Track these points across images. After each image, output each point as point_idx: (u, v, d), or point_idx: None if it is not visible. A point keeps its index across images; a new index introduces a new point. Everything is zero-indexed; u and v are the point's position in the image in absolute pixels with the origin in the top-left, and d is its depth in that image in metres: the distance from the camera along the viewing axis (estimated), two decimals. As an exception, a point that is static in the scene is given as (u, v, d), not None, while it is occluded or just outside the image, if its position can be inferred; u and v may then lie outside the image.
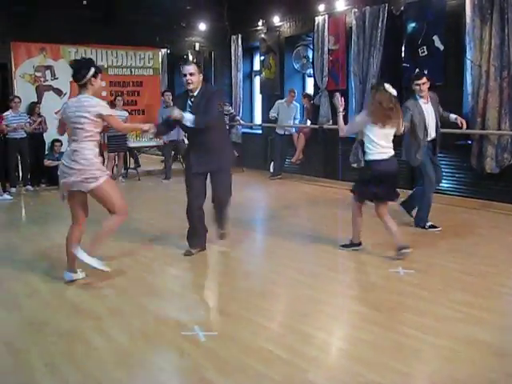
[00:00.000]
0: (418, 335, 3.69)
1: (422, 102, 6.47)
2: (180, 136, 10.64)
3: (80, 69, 4.85)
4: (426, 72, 8.44)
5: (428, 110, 6.48)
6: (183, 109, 5.32)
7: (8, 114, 9.77)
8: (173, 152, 11.71)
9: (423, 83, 6.45)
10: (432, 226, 6.71)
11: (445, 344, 3.56)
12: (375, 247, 5.93)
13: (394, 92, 5.40)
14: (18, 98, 10.11)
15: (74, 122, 4.73)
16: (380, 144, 5.39)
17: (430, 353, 3.47)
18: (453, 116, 6.79)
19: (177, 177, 10.43)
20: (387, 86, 5.39)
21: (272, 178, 11.34)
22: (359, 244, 5.80)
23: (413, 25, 8.74)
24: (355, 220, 5.75)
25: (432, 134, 6.53)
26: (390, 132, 5.43)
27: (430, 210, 6.76)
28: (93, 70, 4.83)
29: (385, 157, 5.43)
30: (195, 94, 5.35)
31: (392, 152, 5.49)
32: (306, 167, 11.17)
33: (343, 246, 5.87)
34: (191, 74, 5.28)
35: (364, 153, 5.68)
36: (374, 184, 5.45)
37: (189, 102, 5.37)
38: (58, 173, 4.94)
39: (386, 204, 5.55)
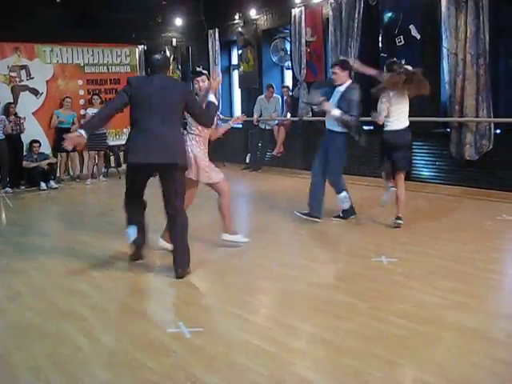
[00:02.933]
0: (403, 323, 3.70)
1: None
2: None
3: None
4: (403, 61, 8.51)
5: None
6: None
7: None
8: None
9: (336, 69, 6.51)
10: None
11: (430, 331, 3.58)
12: (358, 237, 5.96)
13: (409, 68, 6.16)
14: None
15: None
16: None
17: (416, 340, 3.49)
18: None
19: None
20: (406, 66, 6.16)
21: (248, 170, 11.38)
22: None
23: (389, 15, 8.77)
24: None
25: None
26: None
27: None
28: None
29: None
30: None
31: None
32: (287, 160, 11.17)
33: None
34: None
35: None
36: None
37: None
38: None
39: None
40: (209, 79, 5.42)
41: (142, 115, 4.78)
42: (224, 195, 5.59)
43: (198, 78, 5.43)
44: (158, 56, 5.16)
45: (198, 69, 5.69)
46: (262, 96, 11.38)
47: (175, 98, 4.87)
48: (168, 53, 13.67)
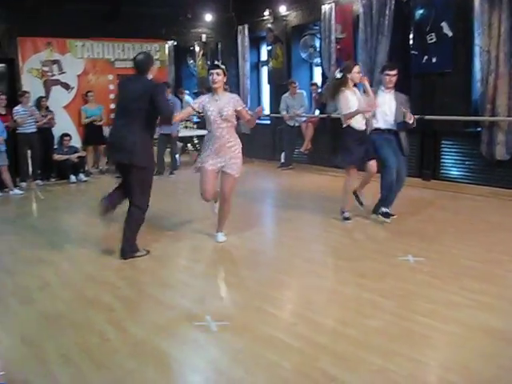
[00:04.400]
0: (429, 322, 3.69)
1: (384, 91, 6.36)
2: (174, 129, 10.48)
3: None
4: (434, 59, 8.44)
5: (386, 100, 6.32)
6: None
7: (18, 108, 9.88)
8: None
9: (394, 74, 6.27)
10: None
11: (456, 331, 3.56)
12: (385, 235, 5.94)
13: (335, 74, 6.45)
14: (28, 92, 10.20)
15: None
16: None
17: (441, 340, 3.48)
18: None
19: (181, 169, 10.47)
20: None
21: (283, 169, 11.34)
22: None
23: (421, 11, 8.68)
24: None
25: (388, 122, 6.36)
26: None
27: (389, 196, 6.38)
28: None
29: None
30: None
31: None
32: (315, 157, 11.16)
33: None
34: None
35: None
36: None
37: None
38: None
39: None
40: (225, 74, 5.50)
41: (115, 115, 5.44)
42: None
43: (213, 71, 5.46)
44: (140, 56, 5.37)
45: (216, 62, 5.80)
46: (287, 94, 11.36)
47: (142, 101, 5.05)
48: (197, 48, 13.73)
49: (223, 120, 5.46)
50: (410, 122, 6.16)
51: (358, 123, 6.27)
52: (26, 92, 10.19)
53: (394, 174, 6.20)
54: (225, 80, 5.54)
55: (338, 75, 6.32)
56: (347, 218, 6.50)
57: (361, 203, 6.70)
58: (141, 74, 5.21)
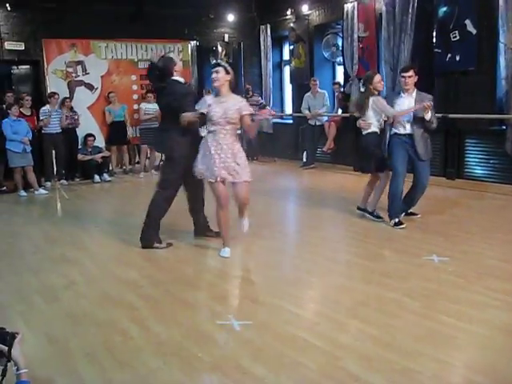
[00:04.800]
0: (454, 323, 3.65)
1: (402, 94, 6.24)
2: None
3: None
4: (458, 57, 8.35)
5: (405, 103, 6.17)
6: None
7: (46, 109, 10.04)
8: None
9: (409, 76, 6.13)
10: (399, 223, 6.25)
11: (481, 332, 3.52)
12: (409, 235, 5.90)
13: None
14: (58, 94, 10.35)
15: None
16: None
17: (466, 340, 3.44)
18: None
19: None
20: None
21: (305, 168, 11.32)
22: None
23: (444, 9, 8.59)
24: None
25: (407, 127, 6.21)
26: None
27: (397, 202, 6.27)
28: None
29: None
30: None
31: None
32: (338, 156, 11.11)
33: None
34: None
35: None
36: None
37: None
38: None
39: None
40: (228, 73, 5.32)
41: None
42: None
43: (213, 69, 5.35)
44: (160, 64, 5.78)
45: (217, 61, 5.86)
46: (309, 93, 11.34)
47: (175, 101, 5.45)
48: (220, 48, 13.76)
49: (227, 122, 5.24)
50: (427, 118, 6.00)
51: (377, 128, 6.35)
52: (55, 93, 10.35)
53: (401, 184, 6.20)
54: (228, 79, 5.31)
55: (362, 89, 6.37)
56: (379, 217, 6.50)
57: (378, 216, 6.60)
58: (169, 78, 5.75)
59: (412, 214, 6.51)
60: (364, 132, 6.38)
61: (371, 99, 6.20)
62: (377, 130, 6.30)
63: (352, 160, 10.42)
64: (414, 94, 6.17)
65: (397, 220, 6.21)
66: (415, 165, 6.21)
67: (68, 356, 3.43)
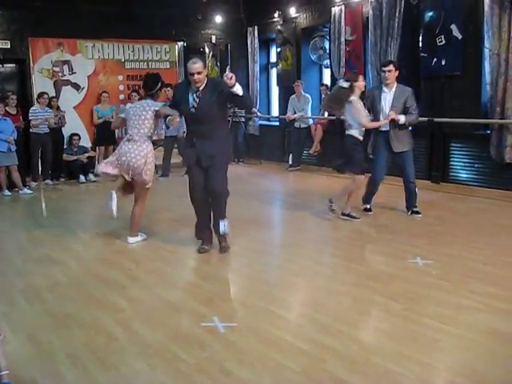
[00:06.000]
0: (438, 325, 3.68)
1: (385, 89, 6.52)
2: (180, 131, 10.45)
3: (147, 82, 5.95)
4: (444, 62, 8.43)
5: (387, 98, 6.47)
6: (185, 102, 5.31)
7: (35, 108, 9.99)
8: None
9: (389, 70, 6.42)
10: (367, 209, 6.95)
11: (465, 334, 3.55)
12: (394, 238, 5.93)
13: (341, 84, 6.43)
14: (47, 94, 10.28)
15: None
16: None
17: (449, 343, 3.46)
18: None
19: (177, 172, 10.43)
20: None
21: (290, 170, 11.35)
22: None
23: (430, 14, 8.66)
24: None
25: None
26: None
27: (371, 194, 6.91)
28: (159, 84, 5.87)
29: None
30: (201, 88, 5.24)
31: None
32: (324, 158, 11.14)
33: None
34: (199, 73, 5.13)
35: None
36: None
37: (194, 96, 5.23)
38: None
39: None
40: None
41: None
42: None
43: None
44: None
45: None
46: (294, 95, 11.39)
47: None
48: (207, 49, 13.76)
49: None
50: (401, 122, 6.35)
51: (360, 135, 6.46)
52: (44, 93, 10.26)
53: (377, 186, 6.79)
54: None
55: (345, 84, 6.34)
56: (356, 217, 6.64)
57: (355, 217, 6.68)
58: None
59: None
60: (346, 132, 6.50)
61: (353, 97, 6.27)
62: (356, 135, 6.39)
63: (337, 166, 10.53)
64: (395, 89, 6.44)
65: (368, 206, 6.91)
66: (396, 161, 6.66)
67: (51, 357, 3.41)
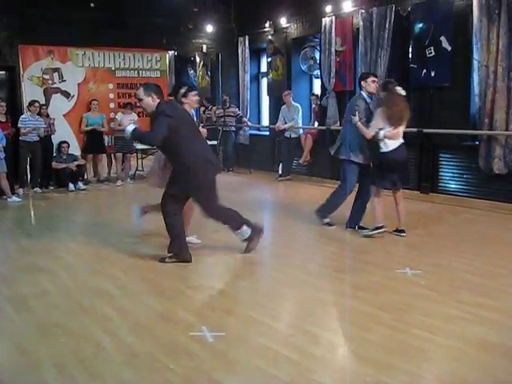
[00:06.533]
0: (427, 336, 3.68)
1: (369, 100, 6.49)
2: None
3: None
4: (433, 73, 8.51)
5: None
6: None
7: (26, 117, 9.94)
8: None
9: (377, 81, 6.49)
10: (329, 224, 6.85)
11: (454, 345, 3.56)
12: (383, 248, 5.95)
13: (403, 93, 6.02)
14: (38, 102, 10.24)
15: None
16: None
17: (438, 353, 3.47)
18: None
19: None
20: (398, 88, 6.01)
21: (280, 179, 11.36)
22: (382, 226, 6.26)
23: (420, 25, 8.73)
24: (376, 207, 6.28)
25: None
26: (402, 129, 6.16)
27: (335, 210, 6.82)
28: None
29: (395, 146, 6.10)
30: None
31: (402, 140, 6.17)
32: (314, 168, 11.18)
33: (366, 232, 6.35)
34: (140, 100, 5.40)
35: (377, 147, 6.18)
36: (390, 172, 6.15)
37: None
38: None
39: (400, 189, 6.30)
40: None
41: (193, 139, 5.49)
42: None
43: (195, 92, 6.06)
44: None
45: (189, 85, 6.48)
46: (284, 105, 11.42)
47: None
48: (198, 59, 13.79)
49: None
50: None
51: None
52: (35, 101, 10.20)
53: (344, 199, 6.65)
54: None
55: (403, 92, 6.15)
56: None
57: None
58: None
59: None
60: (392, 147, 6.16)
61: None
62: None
63: (328, 172, 10.54)
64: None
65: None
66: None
67: (38, 366, 3.37)
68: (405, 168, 6.34)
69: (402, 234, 6.32)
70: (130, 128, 5.19)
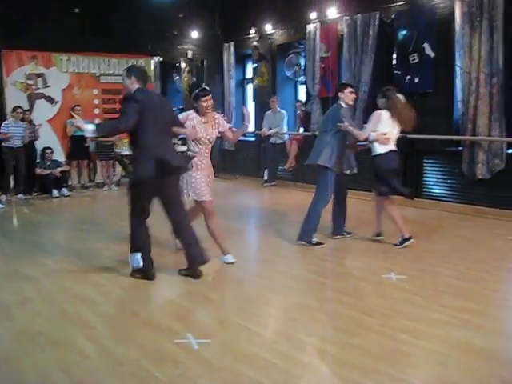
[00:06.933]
0: (411, 340, 3.70)
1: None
2: None
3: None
4: (417, 79, 8.57)
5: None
6: None
7: (8, 123, 9.85)
8: None
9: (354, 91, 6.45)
10: (318, 243, 6.35)
11: (438, 349, 3.57)
12: (367, 253, 5.96)
13: (403, 100, 6.25)
14: (21, 107, 10.16)
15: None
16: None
17: (422, 358, 3.48)
18: None
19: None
20: (399, 95, 6.23)
21: (266, 185, 11.38)
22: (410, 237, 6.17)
23: (403, 32, 8.81)
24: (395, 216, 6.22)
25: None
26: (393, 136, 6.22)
27: (318, 223, 6.40)
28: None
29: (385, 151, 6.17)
30: None
31: (392, 147, 6.22)
32: (299, 174, 11.19)
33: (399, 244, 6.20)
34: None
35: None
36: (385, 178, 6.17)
37: None
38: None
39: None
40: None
41: (151, 132, 5.05)
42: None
43: (207, 96, 5.50)
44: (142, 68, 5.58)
45: (203, 87, 5.95)
46: (270, 111, 11.45)
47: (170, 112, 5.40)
48: (183, 65, 13.77)
49: (210, 142, 5.66)
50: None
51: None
52: (18, 107, 10.13)
53: (324, 205, 6.46)
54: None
55: (404, 99, 6.24)
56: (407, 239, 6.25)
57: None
58: (145, 86, 5.21)
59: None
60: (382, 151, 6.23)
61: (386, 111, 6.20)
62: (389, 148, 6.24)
63: (313, 178, 10.55)
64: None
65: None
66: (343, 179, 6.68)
67: (20, 377, 3.33)
68: (395, 177, 6.28)
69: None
70: (90, 126, 4.87)
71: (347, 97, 6.30)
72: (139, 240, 5.23)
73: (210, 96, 5.50)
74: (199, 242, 5.22)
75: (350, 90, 6.36)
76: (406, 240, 6.13)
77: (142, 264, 5.18)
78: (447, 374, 3.25)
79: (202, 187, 5.50)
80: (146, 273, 5.19)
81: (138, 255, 5.21)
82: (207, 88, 5.77)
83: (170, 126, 5.27)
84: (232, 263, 5.59)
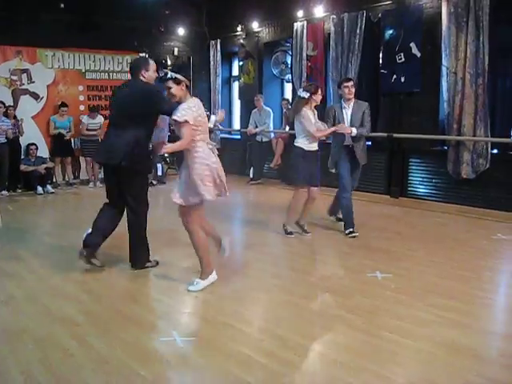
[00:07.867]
0: (397, 339, 3.70)
1: (344, 105, 6.62)
2: (160, 138, 10.36)
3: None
4: (403, 79, 8.61)
5: (348, 114, 6.60)
6: None
7: None
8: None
9: (352, 85, 6.57)
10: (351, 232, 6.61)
11: (423, 347, 3.59)
12: (353, 252, 5.98)
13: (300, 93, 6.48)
14: (3, 103, 10.05)
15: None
16: None
17: (408, 356, 3.49)
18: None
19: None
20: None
21: (252, 183, 11.37)
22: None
23: (390, 32, 8.84)
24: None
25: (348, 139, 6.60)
26: None
27: (351, 213, 6.65)
28: None
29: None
30: None
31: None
32: (285, 172, 11.18)
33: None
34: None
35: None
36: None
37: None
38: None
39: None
40: (178, 83, 4.97)
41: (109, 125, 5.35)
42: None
43: (164, 84, 5.01)
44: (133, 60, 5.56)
45: (161, 74, 5.54)
46: (256, 109, 11.45)
47: (138, 105, 5.16)
48: (169, 62, 13.72)
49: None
50: (353, 134, 6.45)
51: (308, 145, 6.45)
52: (1, 102, 10.03)
53: (349, 199, 6.58)
54: (183, 88, 5.02)
55: (305, 95, 6.36)
56: (290, 233, 6.66)
57: (305, 231, 6.73)
58: (133, 77, 5.41)
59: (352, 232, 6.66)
60: (294, 143, 6.62)
61: (304, 109, 6.34)
62: (305, 147, 6.43)
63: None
64: (353, 104, 6.58)
65: (352, 229, 6.55)
66: (353, 180, 6.74)
67: (4, 374, 3.29)
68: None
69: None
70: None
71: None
72: (97, 219, 5.41)
73: (166, 84, 4.99)
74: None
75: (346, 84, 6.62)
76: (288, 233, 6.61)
77: (84, 236, 5.26)
78: (433, 372, 3.26)
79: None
80: (87, 246, 5.25)
81: (89, 230, 5.32)
82: (165, 72, 5.19)
83: (142, 119, 5.11)
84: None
